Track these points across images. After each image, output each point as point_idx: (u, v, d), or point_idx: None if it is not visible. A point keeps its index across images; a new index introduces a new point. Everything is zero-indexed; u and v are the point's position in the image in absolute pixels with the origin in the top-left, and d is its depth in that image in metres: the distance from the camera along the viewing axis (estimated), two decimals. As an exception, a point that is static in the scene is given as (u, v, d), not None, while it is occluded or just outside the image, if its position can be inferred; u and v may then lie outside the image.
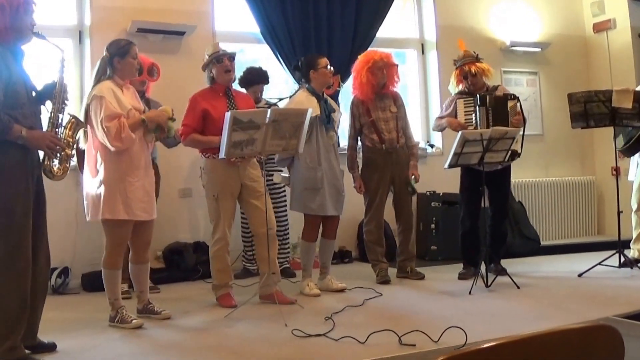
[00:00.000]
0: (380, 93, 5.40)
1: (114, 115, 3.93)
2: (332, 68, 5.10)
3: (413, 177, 5.42)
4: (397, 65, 5.51)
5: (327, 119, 4.96)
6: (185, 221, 6.15)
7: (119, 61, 4.08)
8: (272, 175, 5.39)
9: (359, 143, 5.51)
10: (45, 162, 3.43)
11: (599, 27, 7.82)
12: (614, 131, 5.55)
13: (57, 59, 3.53)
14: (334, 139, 5.05)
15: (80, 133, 3.89)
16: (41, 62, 3.91)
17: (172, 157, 5.68)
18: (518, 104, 5.26)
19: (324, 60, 5.07)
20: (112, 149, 3.94)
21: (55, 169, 3.47)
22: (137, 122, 4.03)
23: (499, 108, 5.20)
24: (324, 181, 4.93)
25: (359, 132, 5.46)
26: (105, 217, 4.00)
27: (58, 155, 3.47)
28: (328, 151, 5.00)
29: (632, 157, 5.89)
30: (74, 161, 3.99)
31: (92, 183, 4.04)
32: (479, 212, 5.40)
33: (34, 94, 3.44)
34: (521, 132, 5.14)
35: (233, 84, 4.87)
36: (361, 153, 5.53)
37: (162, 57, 5.76)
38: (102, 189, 3.98)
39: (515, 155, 5.23)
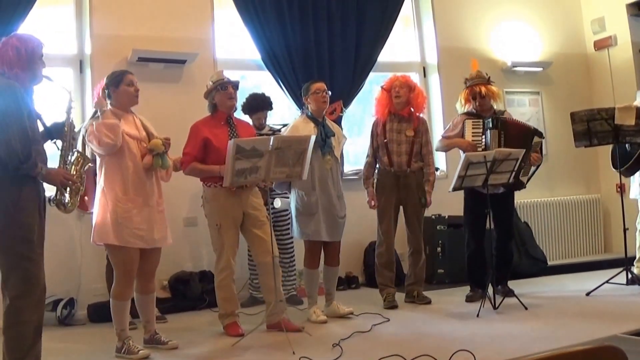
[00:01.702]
0: (398, 115, 5.40)
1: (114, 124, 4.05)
2: (329, 93, 5.09)
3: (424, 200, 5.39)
4: (417, 88, 5.51)
5: (323, 142, 4.94)
6: (191, 250, 6.11)
7: (114, 90, 4.19)
8: (272, 200, 5.37)
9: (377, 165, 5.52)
10: (58, 197, 3.57)
11: (600, 45, 7.84)
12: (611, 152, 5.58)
13: (65, 100, 3.67)
14: (330, 163, 4.99)
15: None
16: (45, 99, 4.04)
17: (176, 186, 5.66)
18: (541, 143, 5.32)
19: (316, 85, 5.05)
20: (100, 147, 4.01)
21: (67, 202, 3.61)
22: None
23: (521, 138, 5.20)
24: (318, 206, 4.90)
25: (376, 151, 5.47)
26: (95, 240, 4.10)
27: (68, 189, 3.61)
28: (324, 175, 4.95)
29: (632, 177, 5.86)
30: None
31: (95, 208, 4.14)
32: (483, 234, 5.38)
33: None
34: (534, 169, 5.24)
35: (235, 112, 4.88)
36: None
37: (163, 85, 5.78)
38: (96, 214, 4.09)
39: (520, 186, 5.30)
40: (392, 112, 5.40)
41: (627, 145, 5.50)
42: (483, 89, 5.40)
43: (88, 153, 4.10)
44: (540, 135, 5.36)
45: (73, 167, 3.68)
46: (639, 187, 5.81)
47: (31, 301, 3.32)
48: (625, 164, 5.53)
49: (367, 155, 5.54)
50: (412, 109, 5.42)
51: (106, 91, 4.21)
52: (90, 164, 3.89)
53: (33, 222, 3.35)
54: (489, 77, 5.53)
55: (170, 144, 4.27)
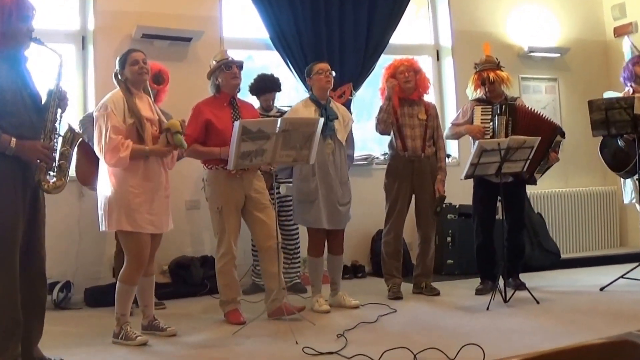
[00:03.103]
0: (408, 99, 5.29)
1: (120, 128, 3.91)
2: (333, 73, 4.95)
3: (439, 193, 5.26)
4: (422, 70, 5.41)
5: (324, 125, 4.75)
6: (192, 234, 6.03)
7: (122, 72, 4.10)
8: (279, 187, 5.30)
9: (386, 149, 5.41)
10: (40, 176, 3.25)
11: (620, 31, 7.69)
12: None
13: (54, 65, 3.40)
14: (331, 147, 4.85)
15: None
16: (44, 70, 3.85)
17: (179, 168, 5.54)
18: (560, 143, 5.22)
19: (319, 66, 4.93)
20: (103, 162, 3.93)
21: (50, 183, 3.29)
22: (140, 151, 3.96)
23: (535, 129, 5.05)
24: (318, 193, 4.77)
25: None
26: (111, 228, 4.00)
27: (52, 167, 3.30)
28: (324, 160, 4.81)
29: (625, 180, 5.73)
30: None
31: (102, 192, 4.02)
32: (493, 224, 5.29)
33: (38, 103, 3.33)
34: (548, 165, 5.19)
35: (239, 93, 4.77)
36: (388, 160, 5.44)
37: (168, 63, 5.68)
38: (107, 200, 3.97)
39: (533, 181, 5.25)
40: (402, 97, 5.28)
41: (618, 141, 5.37)
42: (492, 75, 5.29)
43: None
44: (563, 134, 5.26)
45: (62, 141, 3.39)
46: (631, 192, 5.68)
47: None
48: (618, 160, 5.43)
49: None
50: (420, 91, 5.33)
51: (118, 75, 4.10)
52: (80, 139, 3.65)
53: (5, 205, 3.12)
54: (499, 62, 5.42)
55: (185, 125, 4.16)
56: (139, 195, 3.96)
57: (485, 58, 5.44)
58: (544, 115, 5.32)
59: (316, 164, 4.75)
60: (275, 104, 5.79)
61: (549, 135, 5.13)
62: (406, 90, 5.26)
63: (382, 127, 5.22)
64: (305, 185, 4.79)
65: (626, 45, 6.91)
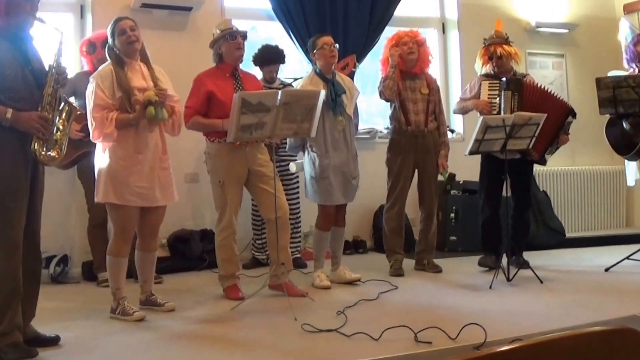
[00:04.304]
0: (410, 73, 5.20)
1: (103, 105, 3.87)
2: (336, 45, 4.83)
3: (442, 169, 5.22)
4: (426, 43, 5.31)
5: (333, 103, 4.70)
6: (192, 208, 5.97)
7: (113, 42, 4.03)
8: (284, 162, 5.28)
9: (387, 124, 5.33)
10: (35, 147, 3.28)
11: (629, 8, 7.53)
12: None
13: (55, 41, 3.43)
14: (342, 124, 4.78)
15: None
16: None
17: (178, 140, 5.47)
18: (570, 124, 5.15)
19: (323, 39, 4.81)
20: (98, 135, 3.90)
21: (45, 153, 3.31)
22: (125, 120, 3.91)
23: (543, 106, 4.95)
24: (331, 169, 4.72)
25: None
26: (98, 200, 3.98)
27: (48, 138, 3.32)
28: (336, 137, 4.75)
29: (629, 162, 5.69)
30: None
31: (97, 164, 4.01)
32: (499, 200, 5.21)
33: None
34: (557, 147, 5.14)
35: (242, 63, 4.65)
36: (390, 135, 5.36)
37: (168, 33, 5.63)
38: (98, 171, 3.97)
39: (543, 162, 5.23)
40: (403, 69, 5.18)
41: (624, 124, 5.25)
42: (499, 50, 5.20)
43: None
44: (574, 115, 5.17)
45: (60, 115, 3.42)
46: (635, 173, 5.63)
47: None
48: (623, 143, 5.31)
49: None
50: (421, 64, 5.25)
51: (112, 47, 4.03)
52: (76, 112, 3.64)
53: (3, 173, 3.16)
54: (508, 37, 5.33)
55: (166, 94, 4.03)
56: (127, 167, 3.92)
57: (494, 33, 5.36)
58: (554, 94, 5.21)
59: (329, 141, 4.71)
60: (278, 76, 5.70)
61: (560, 115, 5.05)
62: (409, 62, 5.17)
63: (388, 93, 5.09)
64: (320, 162, 4.72)
65: (624, 27, 6.70)
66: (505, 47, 5.23)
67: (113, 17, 4.16)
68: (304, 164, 4.88)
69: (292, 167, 5.28)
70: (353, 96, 4.92)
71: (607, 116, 5.43)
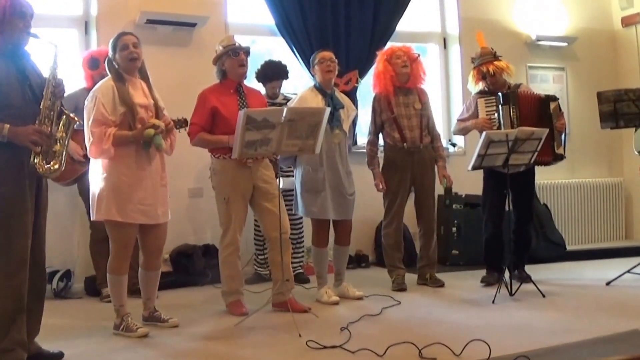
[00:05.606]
0: (403, 88, 5.20)
1: (102, 121, 3.84)
2: (336, 61, 4.84)
3: (444, 179, 5.24)
4: (419, 58, 5.31)
5: (331, 115, 4.69)
6: (195, 223, 5.96)
7: (114, 58, 4.01)
8: (287, 177, 5.26)
9: (381, 141, 5.31)
10: (34, 160, 3.25)
11: (627, 21, 7.63)
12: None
13: (50, 54, 3.40)
14: (339, 137, 4.78)
15: None
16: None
17: (182, 155, 5.49)
18: (559, 105, 5.14)
19: (322, 54, 4.83)
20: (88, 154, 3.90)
21: (45, 166, 3.28)
22: (123, 137, 3.89)
23: (538, 110, 5.02)
24: (325, 183, 4.71)
25: (379, 128, 5.26)
26: (99, 217, 3.92)
27: (47, 150, 3.30)
28: (332, 151, 4.75)
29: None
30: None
31: (94, 181, 3.96)
32: (502, 215, 5.22)
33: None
34: (563, 135, 5.10)
35: (246, 79, 4.67)
36: (383, 152, 5.34)
37: (172, 49, 5.64)
38: (98, 188, 3.91)
39: (560, 158, 5.19)
40: (396, 85, 5.18)
41: None
42: (491, 68, 5.18)
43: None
44: (555, 98, 5.17)
45: (59, 127, 3.37)
46: None
47: (3, 274, 3.13)
48: None
49: (369, 133, 5.31)
50: (414, 80, 5.24)
51: (112, 62, 4.01)
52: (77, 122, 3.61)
53: (6, 192, 3.15)
54: (495, 52, 5.30)
55: (171, 130, 4.09)
56: (130, 185, 3.89)
57: (480, 51, 5.32)
58: (535, 93, 5.26)
59: (324, 154, 4.69)
60: (281, 91, 5.70)
61: (543, 109, 5.07)
62: (402, 76, 5.16)
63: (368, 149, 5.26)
64: (313, 176, 4.72)
65: None
66: (496, 63, 5.20)
67: (117, 33, 4.18)
68: (295, 179, 4.87)
69: (281, 183, 5.26)
70: (350, 114, 4.93)
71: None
